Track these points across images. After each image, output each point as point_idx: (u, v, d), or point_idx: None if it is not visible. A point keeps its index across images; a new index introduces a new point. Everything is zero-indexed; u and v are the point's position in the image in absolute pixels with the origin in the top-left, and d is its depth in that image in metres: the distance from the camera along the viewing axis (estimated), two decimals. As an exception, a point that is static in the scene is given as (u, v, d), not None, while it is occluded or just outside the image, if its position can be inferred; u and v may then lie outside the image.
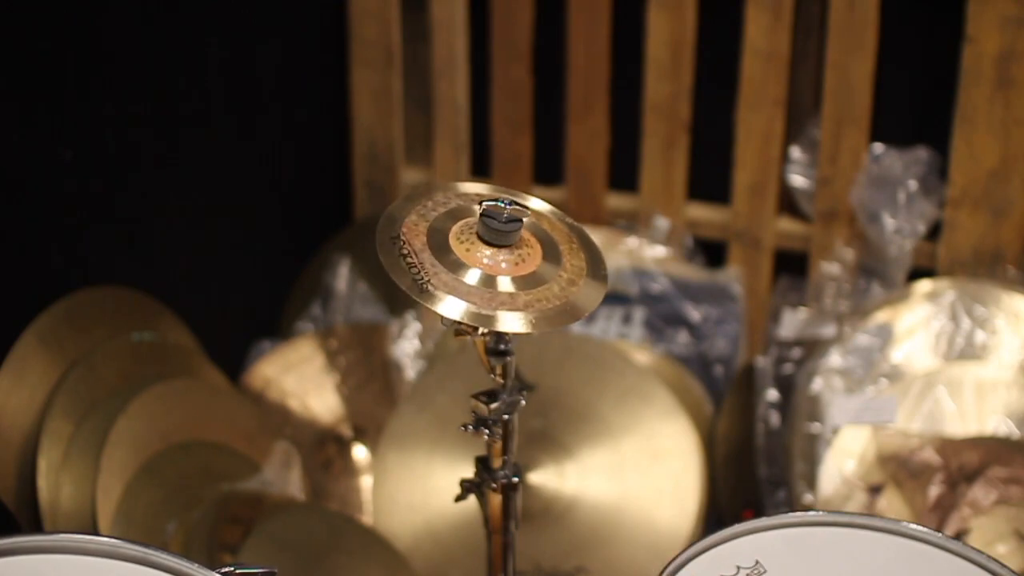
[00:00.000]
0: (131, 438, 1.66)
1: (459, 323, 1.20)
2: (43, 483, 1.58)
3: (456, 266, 1.20)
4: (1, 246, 1.65)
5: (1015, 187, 1.98)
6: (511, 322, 1.18)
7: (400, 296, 2.12)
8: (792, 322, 2.01)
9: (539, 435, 1.82)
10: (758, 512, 1.91)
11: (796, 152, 2.10)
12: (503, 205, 1.21)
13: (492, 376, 1.31)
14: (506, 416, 1.32)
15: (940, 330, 1.91)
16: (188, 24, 1.91)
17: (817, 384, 1.90)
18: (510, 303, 1.20)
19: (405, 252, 1.20)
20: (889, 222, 2.01)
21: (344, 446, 2.02)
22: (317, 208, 2.34)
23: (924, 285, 1.97)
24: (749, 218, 2.14)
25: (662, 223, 2.17)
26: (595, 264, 1.27)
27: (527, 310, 1.19)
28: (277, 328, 2.21)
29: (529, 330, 1.19)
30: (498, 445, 1.34)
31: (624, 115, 2.17)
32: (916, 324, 1.92)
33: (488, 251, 1.22)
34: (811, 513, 1.24)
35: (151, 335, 1.79)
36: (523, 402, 1.33)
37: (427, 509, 1.82)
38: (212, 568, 1.10)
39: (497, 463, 1.35)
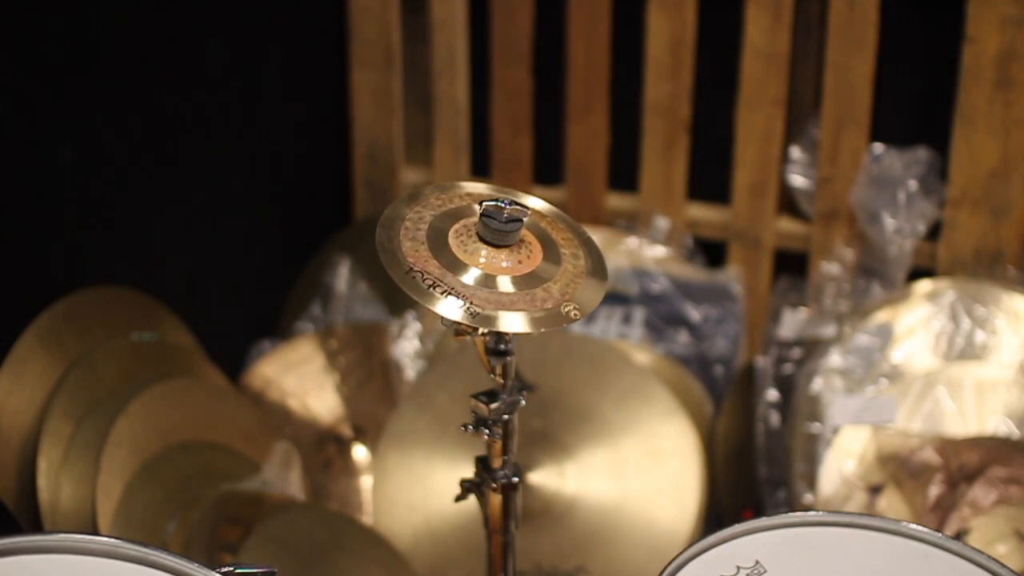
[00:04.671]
0: (131, 438, 1.66)
1: (460, 323, 1.20)
2: (43, 483, 1.58)
3: (457, 267, 1.21)
4: (1, 246, 1.65)
5: (1015, 187, 1.98)
6: (513, 322, 1.19)
7: (400, 296, 2.12)
8: (792, 322, 2.01)
9: (539, 435, 1.82)
10: (758, 512, 1.91)
11: (796, 152, 2.10)
12: (503, 205, 1.21)
13: (492, 376, 1.31)
14: (506, 416, 1.32)
15: (940, 330, 1.91)
16: (189, 24, 1.91)
17: (817, 384, 1.90)
18: (511, 303, 1.20)
19: (411, 264, 1.20)
20: (889, 222, 2.01)
21: (344, 446, 2.02)
22: (317, 208, 2.34)
23: (924, 285, 1.97)
24: (749, 218, 2.14)
25: (662, 223, 2.17)
26: (596, 262, 1.27)
27: (529, 309, 1.20)
28: (277, 328, 2.21)
29: (531, 330, 1.19)
30: (498, 445, 1.34)
31: (624, 115, 2.17)
32: (916, 324, 1.92)
33: (485, 250, 1.22)
34: (811, 513, 1.24)
35: (151, 335, 1.79)
36: (523, 402, 1.33)
37: (427, 509, 1.82)
38: (212, 568, 1.10)
39: (497, 463, 1.35)
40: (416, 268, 1.19)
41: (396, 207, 1.25)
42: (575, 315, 1.21)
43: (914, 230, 2.01)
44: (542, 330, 1.19)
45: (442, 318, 1.18)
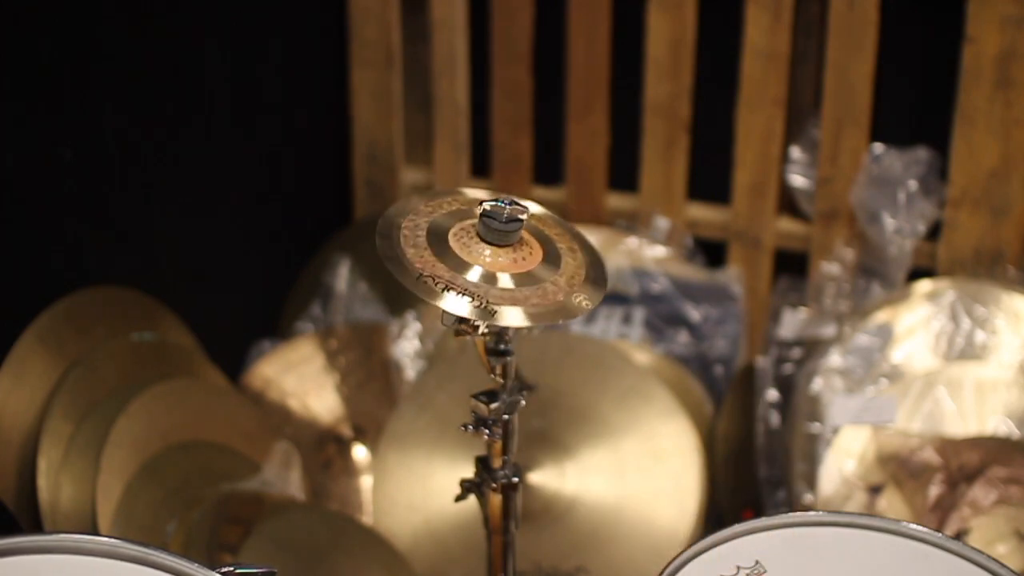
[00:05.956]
0: (131, 438, 1.66)
1: (459, 323, 1.20)
2: (43, 483, 1.58)
3: (459, 265, 1.21)
4: (1, 246, 1.65)
5: (1015, 187, 1.98)
6: (515, 317, 1.19)
7: (400, 296, 2.12)
8: (792, 322, 2.01)
9: (539, 435, 1.82)
10: (758, 512, 1.91)
11: (796, 152, 2.10)
12: (503, 205, 1.22)
13: (492, 376, 1.31)
14: (506, 416, 1.32)
15: (940, 330, 1.91)
16: (188, 24, 1.91)
17: (817, 384, 1.90)
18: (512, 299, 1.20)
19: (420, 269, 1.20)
20: (889, 222, 2.01)
21: (344, 446, 2.02)
22: (317, 208, 2.34)
23: (924, 285, 1.97)
24: (749, 218, 2.14)
25: (662, 223, 2.17)
26: (594, 265, 1.28)
27: (529, 305, 1.20)
28: (277, 328, 2.21)
29: (531, 324, 1.19)
30: (498, 445, 1.34)
31: (624, 115, 2.17)
32: (916, 324, 1.92)
33: (488, 250, 1.22)
34: (811, 513, 1.24)
35: (151, 335, 1.79)
36: (523, 402, 1.33)
37: (427, 509, 1.82)
38: (212, 568, 1.10)
39: (497, 463, 1.35)
40: (426, 273, 1.20)
41: (397, 207, 1.26)
42: (586, 304, 1.22)
43: (914, 230, 2.01)
44: (560, 322, 1.21)
45: (442, 317, 1.19)
